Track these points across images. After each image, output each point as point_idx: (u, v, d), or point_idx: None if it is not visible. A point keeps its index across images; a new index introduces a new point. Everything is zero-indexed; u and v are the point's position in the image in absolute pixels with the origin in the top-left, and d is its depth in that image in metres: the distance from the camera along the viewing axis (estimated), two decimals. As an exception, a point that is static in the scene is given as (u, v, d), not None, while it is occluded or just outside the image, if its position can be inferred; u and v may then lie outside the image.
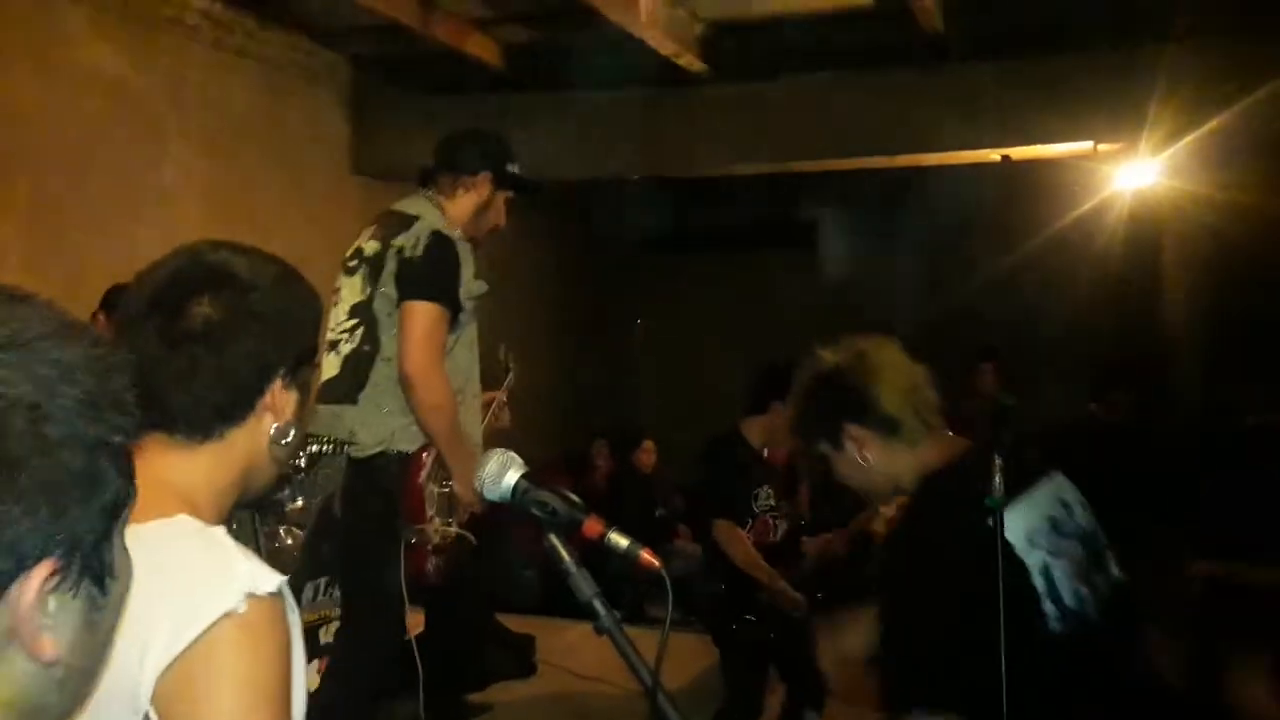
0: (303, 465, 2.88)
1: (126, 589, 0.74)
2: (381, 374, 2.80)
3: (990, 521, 1.80)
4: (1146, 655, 2.03)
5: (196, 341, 1.09)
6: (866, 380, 2.02)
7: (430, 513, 2.78)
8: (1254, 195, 5.11)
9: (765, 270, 8.75)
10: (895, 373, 2.05)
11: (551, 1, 4.77)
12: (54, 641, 0.66)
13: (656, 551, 1.26)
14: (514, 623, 4.58)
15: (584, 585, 1.21)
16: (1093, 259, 6.39)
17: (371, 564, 2.81)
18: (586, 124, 5.86)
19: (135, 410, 0.70)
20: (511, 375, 3.47)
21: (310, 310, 1.21)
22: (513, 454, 1.29)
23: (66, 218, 4.27)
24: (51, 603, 0.66)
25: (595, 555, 1.26)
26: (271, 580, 1.01)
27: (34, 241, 4.15)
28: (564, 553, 1.23)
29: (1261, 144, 5.02)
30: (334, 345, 2.88)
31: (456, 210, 2.98)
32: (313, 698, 1.13)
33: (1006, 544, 1.82)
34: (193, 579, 0.98)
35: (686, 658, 3.78)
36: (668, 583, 1.23)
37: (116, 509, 0.68)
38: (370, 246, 2.89)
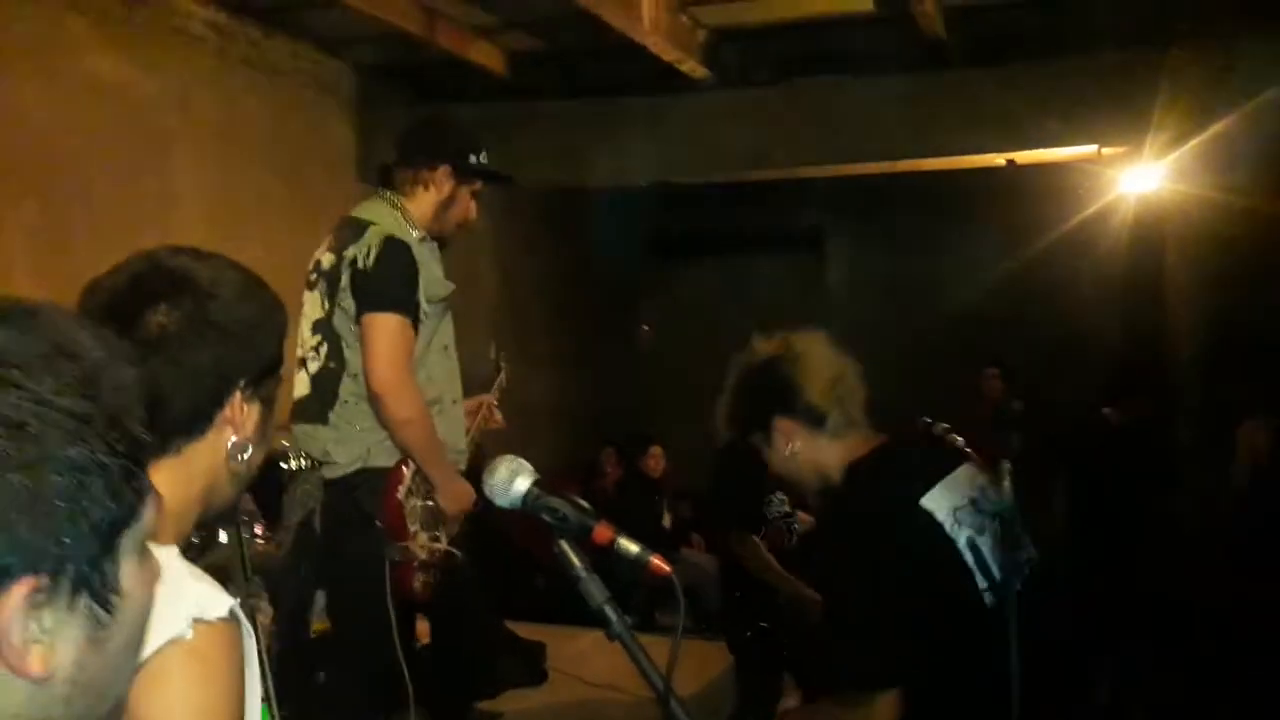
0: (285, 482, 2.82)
1: (143, 608, 0.73)
2: (350, 391, 2.70)
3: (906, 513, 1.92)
4: (1066, 623, 2.18)
5: (153, 352, 1.04)
6: (793, 373, 2.08)
7: (414, 528, 2.69)
8: (1259, 199, 5.09)
9: (770, 276, 8.76)
10: (821, 365, 2.11)
11: (554, 9, 4.79)
12: (46, 657, 0.65)
13: (666, 558, 1.26)
14: (524, 630, 4.58)
15: (595, 591, 1.21)
16: (1097, 262, 6.38)
17: (355, 585, 2.73)
18: (590, 131, 5.87)
19: (138, 431, 0.69)
20: (503, 375, 3.33)
21: (273, 320, 1.17)
22: (522, 460, 1.29)
23: (73, 227, 4.28)
24: (47, 618, 0.65)
25: (604, 563, 1.26)
26: (221, 604, 0.98)
27: (40, 251, 4.16)
28: (575, 559, 1.23)
29: (1266, 147, 5.02)
30: (302, 363, 2.78)
31: (417, 209, 2.82)
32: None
33: (936, 522, 1.94)
34: None
35: (698, 664, 3.78)
36: (678, 588, 1.23)
37: (113, 529, 0.68)
38: (327, 259, 2.76)
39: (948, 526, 1.96)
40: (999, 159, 5.59)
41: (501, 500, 1.28)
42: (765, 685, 3.65)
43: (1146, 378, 4.82)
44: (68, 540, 0.65)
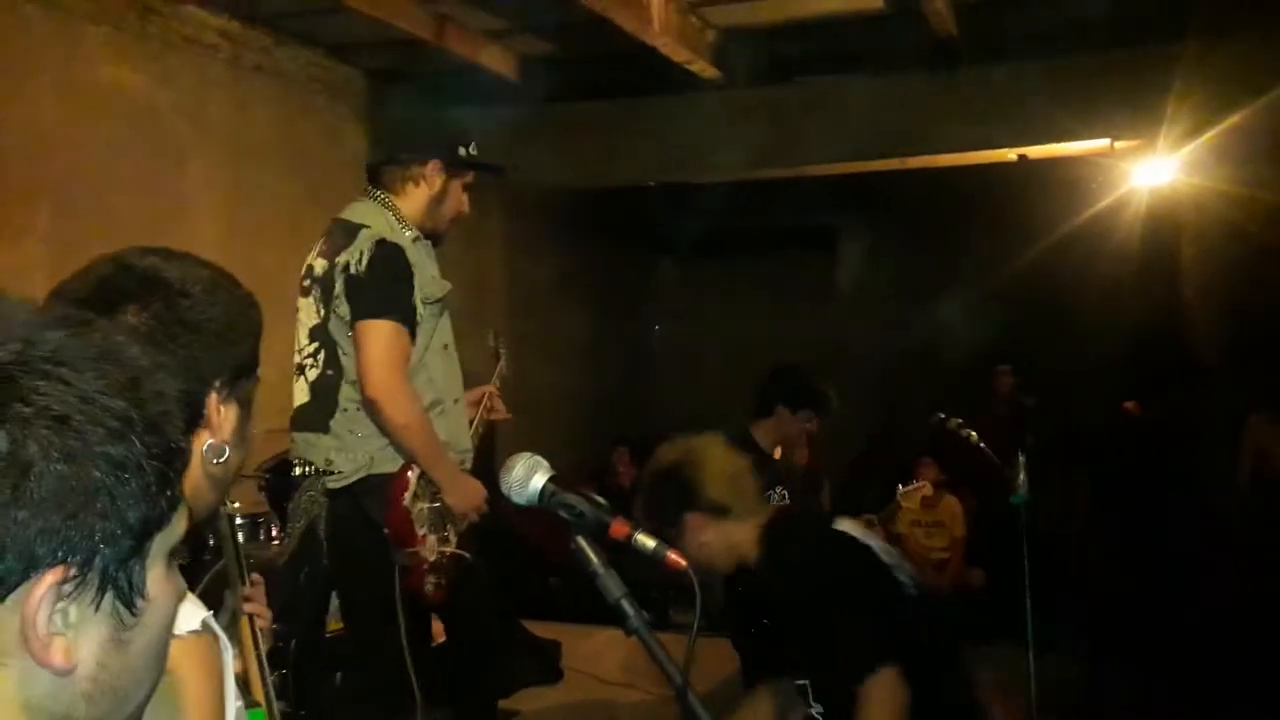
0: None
1: (166, 617, 0.74)
2: (349, 398, 2.67)
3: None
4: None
5: None
6: (695, 475, 2.46)
7: (422, 532, 2.67)
8: (1274, 192, 5.07)
9: (782, 275, 8.75)
10: (718, 465, 2.51)
11: (564, 12, 4.80)
12: (69, 651, 0.67)
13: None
14: (540, 629, 4.59)
15: (612, 586, 1.22)
16: (1110, 257, 6.35)
17: (365, 591, 2.73)
18: (601, 133, 5.88)
19: (176, 439, 0.71)
20: (503, 363, 3.28)
21: (246, 319, 1.14)
22: (538, 457, 1.29)
23: (89, 236, 4.31)
24: (72, 612, 0.67)
25: (616, 564, 1.26)
26: (193, 618, 0.98)
27: (57, 260, 4.20)
28: (592, 554, 1.24)
29: (1280, 140, 4.99)
30: (300, 370, 2.75)
31: (409, 207, 2.77)
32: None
33: (853, 537, 2.49)
34: None
35: (713, 661, 3.78)
36: (695, 583, 1.23)
37: (145, 530, 0.69)
38: (319, 265, 2.73)
39: (861, 539, 2.50)
40: (1010, 154, 5.57)
41: (518, 497, 1.29)
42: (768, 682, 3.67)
43: (1167, 374, 4.80)
44: (100, 535, 0.67)
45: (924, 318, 7.54)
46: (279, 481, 3.56)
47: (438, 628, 3.18)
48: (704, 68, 5.21)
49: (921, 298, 7.71)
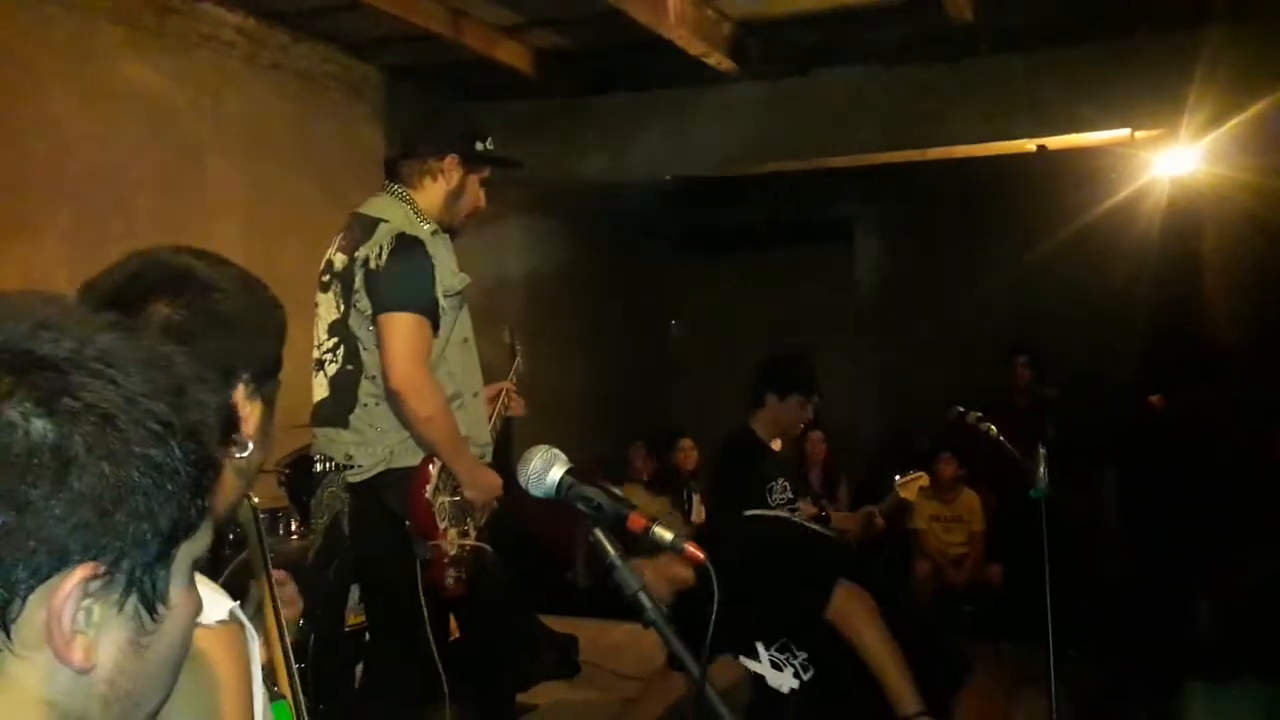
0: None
1: (184, 628, 0.74)
2: (369, 393, 2.67)
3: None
4: None
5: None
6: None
7: (443, 525, 2.68)
8: (1296, 180, 5.01)
9: (799, 268, 8.72)
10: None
11: (580, 6, 4.79)
12: (90, 650, 0.67)
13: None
14: (557, 624, 4.60)
15: (630, 578, 1.22)
16: (1131, 248, 6.30)
17: (388, 585, 2.74)
18: (618, 126, 5.87)
19: (212, 450, 0.72)
20: (519, 359, 3.31)
21: (273, 318, 1.16)
22: (556, 450, 1.29)
23: (109, 235, 4.34)
24: (96, 611, 0.67)
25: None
26: (221, 607, 0.99)
27: (77, 259, 4.22)
28: (609, 547, 1.24)
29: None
30: (320, 365, 2.75)
31: (426, 201, 2.78)
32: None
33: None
34: None
35: (722, 663, 3.78)
36: (713, 575, 1.23)
37: (175, 535, 0.70)
38: (339, 259, 2.73)
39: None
40: (1030, 145, 5.52)
41: (536, 490, 1.29)
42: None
43: (1188, 366, 4.75)
44: (132, 536, 0.67)
45: (943, 310, 7.50)
46: (298, 476, 3.58)
47: (452, 624, 3.19)
48: (720, 60, 5.19)
49: (940, 290, 7.67)
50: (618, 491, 1.27)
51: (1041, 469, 3.15)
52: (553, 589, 5.34)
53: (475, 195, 2.86)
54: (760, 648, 2.88)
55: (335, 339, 2.73)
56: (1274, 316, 5.27)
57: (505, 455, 3.04)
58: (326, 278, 2.77)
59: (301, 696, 1.35)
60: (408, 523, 2.67)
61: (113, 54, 4.45)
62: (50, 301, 0.72)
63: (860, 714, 2.85)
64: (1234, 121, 4.83)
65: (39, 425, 0.64)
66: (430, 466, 2.68)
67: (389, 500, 2.68)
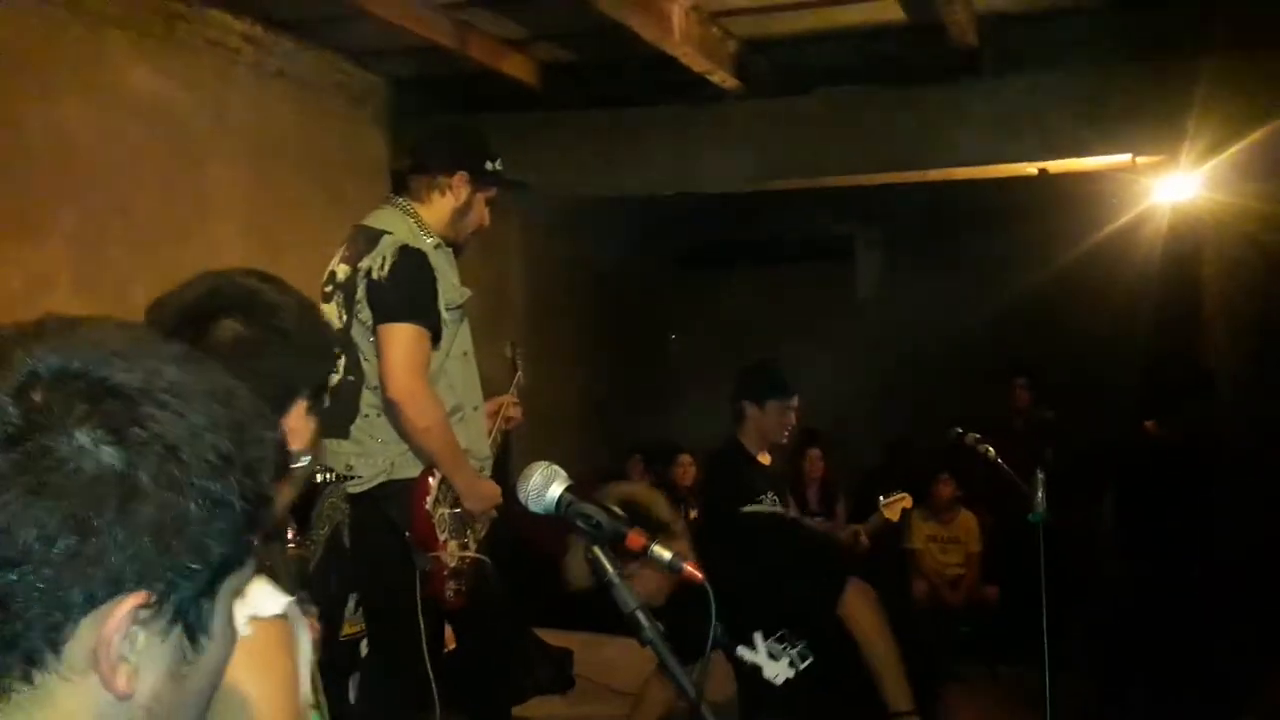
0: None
1: (220, 661, 0.75)
2: (370, 404, 2.69)
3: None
4: None
5: (225, 357, 1.08)
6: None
7: (443, 536, 2.70)
8: (1296, 208, 5.02)
9: (800, 286, 8.73)
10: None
11: (586, 21, 4.81)
12: (131, 678, 0.68)
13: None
14: (552, 637, 4.59)
15: (628, 597, 1.22)
16: (1131, 273, 6.31)
17: (387, 596, 2.75)
18: (621, 141, 5.89)
19: (266, 488, 0.73)
20: (520, 374, 3.33)
21: (330, 340, 1.26)
22: (556, 467, 1.30)
23: (112, 239, 4.35)
24: (140, 638, 0.68)
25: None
26: (277, 602, 1.01)
27: (81, 262, 4.23)
28: (608, 564, 1.24)
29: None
30: None
31: (432, 215, 2.80)
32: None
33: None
34: None
35: (725, 672, 3.77)
36: (710, 594, 1.23)
37: (223, 568, 0.71)
38: (341, 270, 2.76)
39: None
40: (1031, 168, 5.54)
41: (536, 506, 1.29)
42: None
43: (1187, 391, 4.75)
44: (184, 568, 0.68)
45: (943, 331, 7.51)
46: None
47: (448, 635, 3.18)
48: (724, 78, 5.22)
49: (941, 311, 7.67)
50: (617, 509, 1.27)
51: (1040, 494, 3.15)
52: (548, 602, 5.32)
53: (481, 214, 2.89)
54: (758, 638, 2.88)
55: (337, 349, 2.74)
56: (1274, 341, 5.27)
57: (504, 468, 3.04)
58: (329, 288, 2.78)
59: (325, 706, 1.36)
60: (408, 534, 2.67)
61: (119, 59, 4.46)
62: (122, 328, 0.73)
63: (847, 703, 2.89)
64: (1234, 148, 4.84)
65: (108, 453, 0.65)
66: (430, 478, 2.69)
67: (389, 511, 2.69)
